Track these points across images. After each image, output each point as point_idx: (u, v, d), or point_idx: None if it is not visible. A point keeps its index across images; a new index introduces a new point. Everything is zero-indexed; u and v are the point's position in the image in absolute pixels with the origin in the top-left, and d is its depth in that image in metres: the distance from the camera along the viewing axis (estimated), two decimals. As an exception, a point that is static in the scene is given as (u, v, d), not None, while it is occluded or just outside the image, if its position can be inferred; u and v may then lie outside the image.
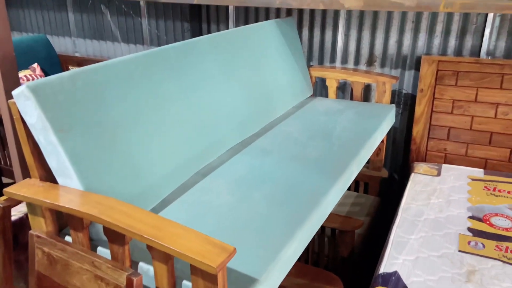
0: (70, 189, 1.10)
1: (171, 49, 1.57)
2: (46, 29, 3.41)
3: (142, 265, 1.08)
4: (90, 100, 1.20)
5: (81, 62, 3.06)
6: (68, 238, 1.20)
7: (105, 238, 1.08)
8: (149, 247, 0.97)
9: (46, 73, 2.78)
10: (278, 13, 2.52)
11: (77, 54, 3.31)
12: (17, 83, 1.63)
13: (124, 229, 0.96)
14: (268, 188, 1.40)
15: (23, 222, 1.54)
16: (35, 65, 2.70)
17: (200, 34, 2.83)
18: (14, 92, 1.09)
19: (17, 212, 1.50)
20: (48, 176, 1.18)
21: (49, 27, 3.39)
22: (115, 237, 1.02)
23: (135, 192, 1.24)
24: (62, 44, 3.35)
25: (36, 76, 2.65)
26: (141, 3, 2.90)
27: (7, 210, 1.35)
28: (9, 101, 1.15)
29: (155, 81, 1.44)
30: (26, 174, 1.67)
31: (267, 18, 2.55)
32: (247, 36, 2.01)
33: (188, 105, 1.56)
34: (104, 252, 1.15)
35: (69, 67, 3.08)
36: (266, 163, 1.59)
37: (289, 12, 2.49)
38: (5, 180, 2.56)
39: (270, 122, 2.00)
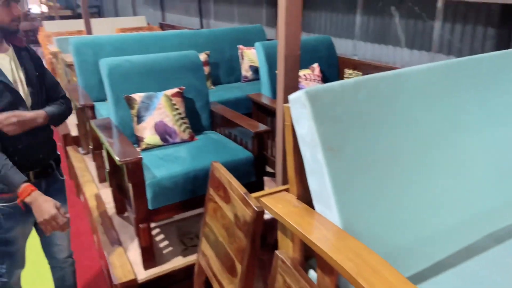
0: (327, 223, 0.90)
1: (484, 60, 1.16)
2: (331, 31, 3.47)
3: None
4: (371, 116, 0.97)
5: (357, 65, 2.95)
6: (312, 273, 1.03)
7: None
8: None
9: (323, 74, 2.79)
10: None
11: (355, 57, 3.23)
12: (296, 81, 1.59)
13: (385, 308, 0.68)
14: None
15: (274, 224, 1.49)
16: (315, 65, 2.74)
17: (508, 45, 2.21)
18: (291, 97, 0.97)
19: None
20: (306, 195, 1.03)
21: (334, 28, 3.44)
22: (368, 308, 0.76)
23: (401, 245, 0.94)
24: (342, 46, 3.33)
25: (314, 76, 2.69)
26: (439, 3, 2.50)
27: (259, 214, 1.31)
28: (284, 105, 1.04)
29: (456, 101, 1.08)
30: (286, 178, 1.63)
31: None
32: None
33: (490, 140, 1.12)
34: (347, 308, 0.91)
35: (345, 70, 3.03)
36: None
37: None
38: (268, 169, 2.72)
39: None
